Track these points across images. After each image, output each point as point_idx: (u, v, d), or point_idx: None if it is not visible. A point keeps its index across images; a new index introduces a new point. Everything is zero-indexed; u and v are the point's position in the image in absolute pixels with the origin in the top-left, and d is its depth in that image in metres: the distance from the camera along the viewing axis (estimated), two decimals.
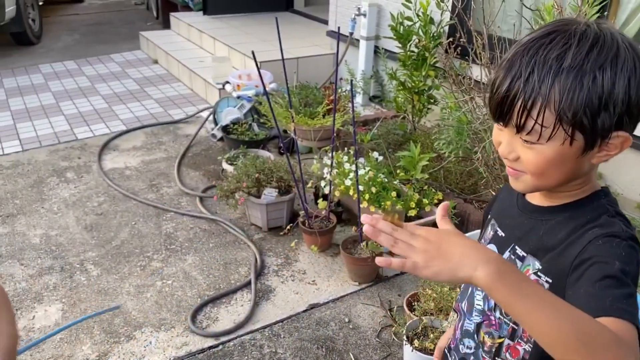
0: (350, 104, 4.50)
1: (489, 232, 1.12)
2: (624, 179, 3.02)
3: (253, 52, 2.52)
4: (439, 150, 3.30)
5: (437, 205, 3.05)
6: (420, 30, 3.78)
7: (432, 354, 2.06)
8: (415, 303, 2.33)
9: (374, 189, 3.01)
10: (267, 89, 4.23)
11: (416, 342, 2.12)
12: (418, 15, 3.75)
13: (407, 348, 2.13)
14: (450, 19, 3.66)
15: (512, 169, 0.96)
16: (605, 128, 0.85)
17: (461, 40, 3.08)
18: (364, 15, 4.67)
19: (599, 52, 0.83)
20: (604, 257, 0.84)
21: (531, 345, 1.00)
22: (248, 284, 2.79)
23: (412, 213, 2.93)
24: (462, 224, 3.05)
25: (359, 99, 4.95)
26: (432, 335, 2.11)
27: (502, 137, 0.94)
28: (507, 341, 1.03)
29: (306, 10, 6.88)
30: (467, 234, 2.58)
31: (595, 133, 0.86)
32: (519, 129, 0.87)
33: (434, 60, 3.79)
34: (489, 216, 1.16)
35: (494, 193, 3.12)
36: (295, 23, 6.48)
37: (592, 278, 0.83)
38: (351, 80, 2.71)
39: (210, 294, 2.73)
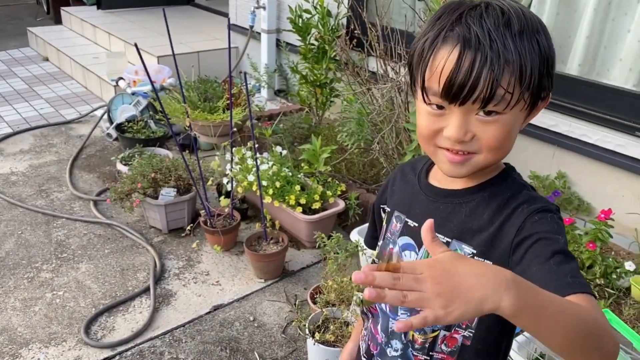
0: (254, 98, 4.43)
1: (396, 225, 1.08)
2: (513, 162, 3.16)
3: (136, 45, 2.38)
4: (342, 143, 3.32)
5: (340, 196, 3.06)
6: (319, 23, 3.77)
7: (333, 346, 2.06)
8: (318, 296, 2.31)
9: (278, 184, 2.96)
10: (164, 83, 4.07)
11: (317, 335, 2.10)
12: (316, 8, 3.74)
13: (309, 341, 2.11)
14: (347, 11, 3.68)
15: (462, 154, 0.90)
16: (546, 88, 0.88)
17: (356, 32, 3.09)
18: (264, 8, 4.60)
19: (529, 18, 0.86)
20: (546, 233, 0.86)
21: (472, 330, 0.97)
22: (147, 289, 2.66)
23: (317, 206, 2.92)
24: (365, 213, 3.07)
25: (264, 93, 4.88)
26: (332, 327, 2.10)
27: (447, 121, 0.88)
28: (442, 332, 0.99)
29: (207, 4, 6.71)
30: (364, 225, 2.55)
31: (539, 94, 0.88)
32: (487, 101, 0.83)
33: (334, 53, 3.80)
34: (388, 209, 1.12)
35: None
36: (196, 17, 6.30)
37: (541, 255, 0.84)
38: (245, 74, 2.63)
39: (106, 303, 2.57)
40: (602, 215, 2.57)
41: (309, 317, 2.20)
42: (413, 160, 1.17)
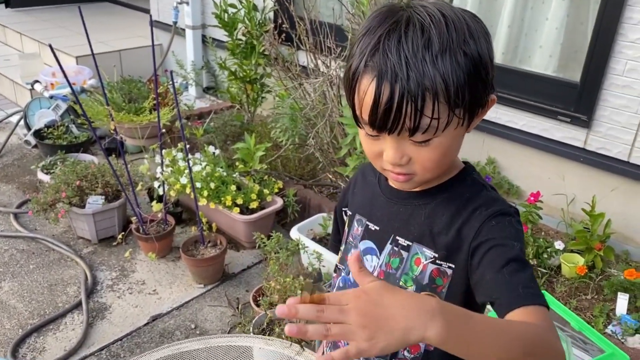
0: (182, 97, 4.29)
1: (357, 229, 1.05)
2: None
3: (51, 46, 2.22)
4: (276, 139, 3.26)
5: (278, 194, 3.01)
6: (245, 17, 3.69)
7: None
8: (261, 298, 2.26)
9: (212, 185, 2.87)
10: (85, 85, 3.86)
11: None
12: (242, 2, 3.65)
13: (255, 346, 2.06)
14: (273, 4, 3.62)
15: (402, 175, 0.88)
16: (483, 95, 0.85)
17: (284, 26, 3.04)
18: (187, 3, 4.46)
19: (455, 28, 0.80)
20: (502, 239, 0.84)
21: None
22: (79, 304, 2.51)
23: (254, 205, 2.86)
24: (304, 210, 3.04)
25: (192, 91, 4.74)
26: (277, 329, 2.06)
27: (384, 145, 0.85)
28: None
29: (126, 0, 6.44)
30: (307, 220, 2.51)
31: (477, 103, 0.85)
32: (414, 131, 0.80)
33: (262, 48, 3.73)
34: (350, 212, 1.09)
35: (331, 177, 3.17)
36: (115, 13, 6.03)
37: (495, 263, 0.82)
38: (171, 72, 2.53)
39: (34, 322, 2.41)
40: (532, 198, 2.67)
41: (253, 321, 2.15)
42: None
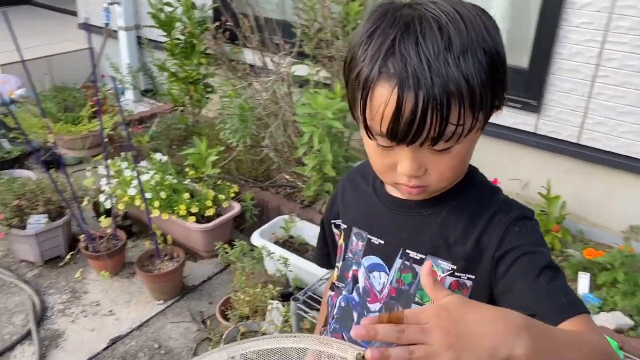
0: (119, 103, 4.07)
1: (357, 244, 0.97)
2: None
3: None
4: (225, 141, 3.15)
5: (234, 198, 2.90)
6: (183, 15, 3.54)
7: None
8: (229, 310, 2.16)
9: (163, 194, 2.73)
10: (13, 96, 3.60)
11: None
12: (179, 0, 3.50)
13: None
14: (213, 1, 3.48)
15: (416, 187, 0.82)
16: (501, 95, 0.80)
17: (228, 23, 2.92)
18: (118, 3, 4.23)
19: (472, 25, 0.74)
20: (529, 246, 0.80)
21: None
22: (28, 334, 2.33)
23: (210, 212, 2.74)
24: (262, 213, 2.95)
25: (129, 95, 4.52)
26: None
27: (398, 156, 0.79)
28: None
29: (49, 2, 6.07)
30: (268, 223, 2.40)
31: (493, 105, 0.79)
32: (436, 140, 0.74)
33: (204, 47, 3.59)
34: (344, 225, 1.00)
35: (287, 177, 3.08)
36: (38, 17, 5.67)
37: (529, 272, 0.78)
38: (113, 78, 2.37)
39: None
40: None
41: (224, 335, 2.05)
42: (360, 167, 1.06)
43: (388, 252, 0.92)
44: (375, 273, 0.94)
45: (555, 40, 2.60)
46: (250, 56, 2.98)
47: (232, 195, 2.89)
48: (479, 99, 0.74)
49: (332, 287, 1.04)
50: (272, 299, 2.07)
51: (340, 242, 1.02)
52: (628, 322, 2.18)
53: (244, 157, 3.23)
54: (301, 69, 3.00)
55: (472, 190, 0.89)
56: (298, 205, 2.91)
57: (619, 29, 2.41)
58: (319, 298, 1.88)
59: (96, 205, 2.95)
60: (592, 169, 2.71)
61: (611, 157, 2.63)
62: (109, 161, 2.81)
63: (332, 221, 1.07)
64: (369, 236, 0.95)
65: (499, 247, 0.83)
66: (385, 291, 0.93)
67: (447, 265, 0.87)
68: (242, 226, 3.00)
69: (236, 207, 2.84)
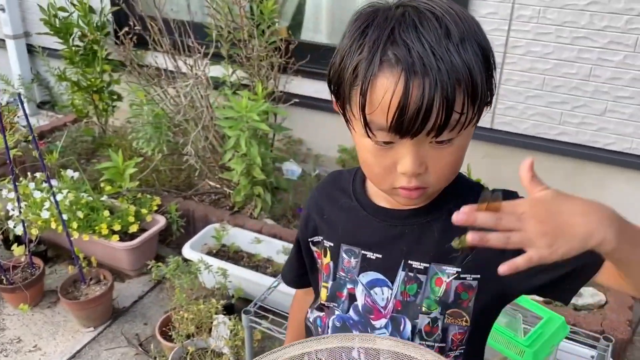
0: (16, 118, 3.75)
1: (349, 261, 0.93)
2: (321, 140, 3.23)
3: None
4: (139, 150, 2.99)
5: (158, 211, 2.76)
6: (80, 21, 3.31)
7: None
8: (171, 331, 2.06)
9: (81, 214, 2.55)
10: None
11: None
12: (74, 5, 3.26)
13: None
14: (113, 4, 3.29)
15: (416, 189, 0.79)
16: (493, 89, 0.80)
17: (136, 27, 2.77)
18: (2, 10, 3.88)
19: (465, 17, 0.76)
20: None
21: (463, 348, 0.89)
22: None
23: (134, 228, 2.59)
24: (189, 223, 2.84)
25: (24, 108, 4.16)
26: None
27: (398, 154, 0.76)
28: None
29: None
30: (198, 234, 2.31)
31: (486, 100, 0.79)
32: (442, 130, 0.73)
33: (106, 53, 3.39)
34: (330, 243, 0.95)
35: (212, 183, 2.99)
36: None
37: None
38: (19, 94, 2.17)
39: None
40: None
41: (170, 357, 1.95)
42: (331, 179, 1.02)
43: (388, 266, 0.90)
44: (377, 289, 0.91)
45: None
46: (162, 60, 2.84)
47: (155, 208, 2.76)
48: (479, 89, 0.75)
49: (321, 307, 0.99)
50: (217, 313, 2.00)
51: (327, 260, 0.97)
52: None
53: (163, 166, 3.09)
54: (216, 70, 2.92)
55: (464, 188, 0.89)
56: (227, 211, 2.83)
57: (522, 17, 2.56)
58: (269, 307, 1.84)
59: (5, 233, 2.70)
60: (506, 151, 2.86)
61: (522, 138, 2.79)
62: (19, 184, 2.57)
63: (309, 240, 1.02)
64: (363, 252, 0.92)
65: None
66: (390, 305, 0.90)
67: (451, 269, 0.86)
68: (168, 240, 2.87)
69: (161, 221, 2.71)
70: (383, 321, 0.91)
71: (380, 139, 0.76)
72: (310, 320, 1.02)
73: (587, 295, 2.29)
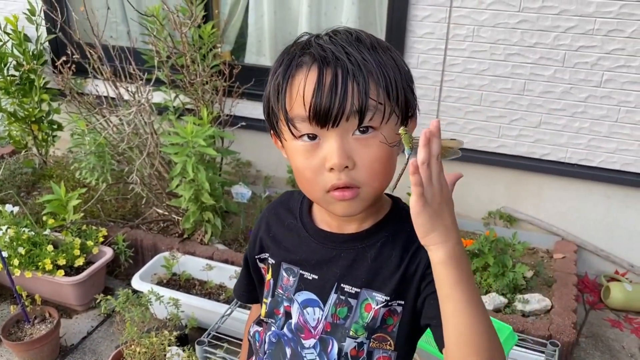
0: None
1: (288, 279, 0.94)
2: (270, 162, 3.23)
3: None
4: (82, 180, 2.91)
5: (104, 243, 2.69)
6: (15, 50, 3.22)
7: None
8: None
9: (22, 250, 2.45)
10: None
11: None
12: (8, 34, 3.17)
13: None
14: (50, 33, 3.21)
15: (348, 189, 0.81)
16: (412, 106, 0.84)
17: (74, 56, 2.71)
18: None
19: (376, 38, 0.84)
20: None
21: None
22: None
23: (80, 262, 2.51)
24: (137, 253, 2.77)
25: None
26: None
27: (324, 150, 0.80)
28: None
29: None
30: (147, 264, 2.27)
31: (407, 111, 0.84)
32: (362, 114, 0.77)
33: (44, 82, 3.29)
34: (272, 261, 0.97)
35: (159, 211, 2.93)
36: None
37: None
38: None
39: None
40: None
41: None
42: (282, 199, 1.04)
43: (322, 287, 0.92)
44: (309, 309, 0.93)
45: (405, 50, 2.79)
46: (103, 88, 2.79)
47: (102, 239, 2.68)
48: (393, 88, 0.80)
49: (260, 322, 1.02)
50: (170, 345, 1.95)
51: (269, 277, 0.99)
52: (502, 300, 2.41)
53: (108, 196, 3.02)
54: (159, 96, 2.89)
55: (401, 219, 0.92)
56: (176, 239, 2.78)
57: (458, 36, 2.66)
58: (222, 336, 1.81)
59: None
60: (448, 166, 2.93)
61: (464, 152, 2.84)
62: None
63: (256, 257, 1.04)
64: (301, 272, 0.94)
65: (424, 270, 0.86)
66: (320, 326, 0.92)
67: (381, 297, 0.88)
68: (117, 271, 2.79)
69: (108, 252, 2.63)
70: (312, 341, 0.93)
71: (304, 131, 0.81)
72: (251, 333, 1.04)
73: (534, 301, 2.37)
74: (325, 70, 0.77)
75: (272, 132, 0.90)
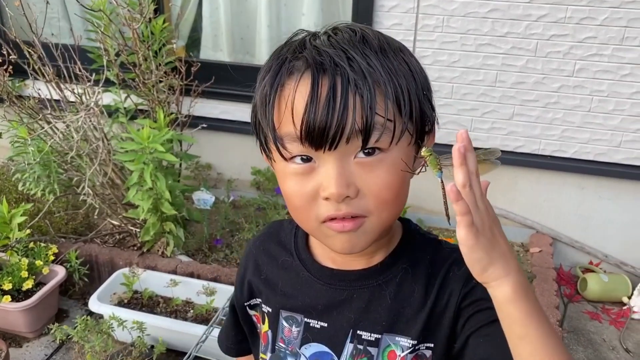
0: None
1: (290, 330, 0.79)
2: (232, 164, 3.05)
3: None
4: (27, 192, 2.65)
5: (55, 261, 2.45)
6: None
7: None
8: None
9: None
10: None
11: None
12: None
13: None
14: None
15: (351, 220, 0.66)
16: (430, 115, 0.69)
17: (11, 56, 2.44)
18: None
19: (385, 36, 0.69)
20: (486, 302, 0.67)
21: None
22: None
23: (29, 284, 2.27)
24: (92, 269, 2.55)
25: None
26: None
27: (320, 175, 0.64)
28: None
29: None
30: (105, 283, 2.06)
31: (424, 126, 0.68)
32: (366, 134, 0.61)
33: None
34: (268, 309, 0.81)
35: (114, 222, 2.70)
36: None
37: (485, 327, 0.70)
38: None
39: None
40: None
41: None
42: (270, 231, 0.88)
43: (334, 337, 0.77)
44: None
45: None
46: (45, 91, 2.54)
47: (52, 258, 2.44)
48: (406, 101, 0.64)
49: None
50: None
51: (265, 329, 0.83)
52: None
53: (56, 208, 2.76)
54: (108, 97, 2.65)
55: (417, 246, 0.78)
56: (135, 252, 2.57)
57: (427, 27, 2.55)
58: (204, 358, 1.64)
59: None
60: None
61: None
62: None
63: (245, 304, 0.87)
64: (306, 320, 0.78)
65: (459, 304, 0.73)
66: None
67: (407, 341, 0.74)
68: (71, 291, 2.55)
69: (60, 272, 2.40)
70: None
71: (296, 152, 0.65)
72: None
73: None
74: (320, 79, 0.62)
75: (260, 148, 0.74)
